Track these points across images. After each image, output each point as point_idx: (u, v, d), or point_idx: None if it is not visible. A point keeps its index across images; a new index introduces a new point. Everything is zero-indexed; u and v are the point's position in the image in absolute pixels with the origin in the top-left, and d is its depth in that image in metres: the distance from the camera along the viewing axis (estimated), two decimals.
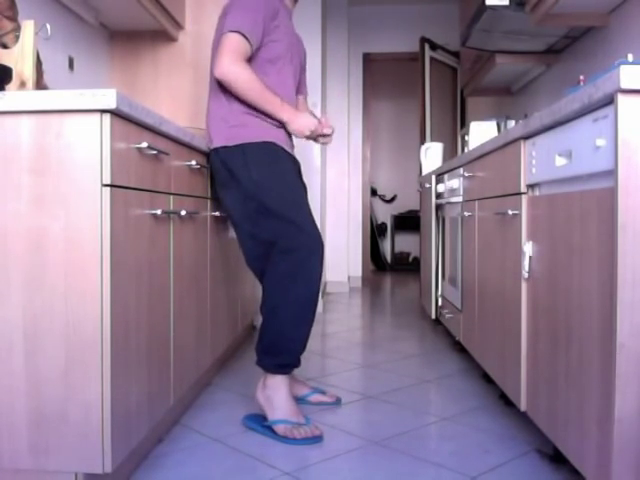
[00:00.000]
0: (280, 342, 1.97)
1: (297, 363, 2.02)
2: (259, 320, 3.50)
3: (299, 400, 2.14)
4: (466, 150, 3.30)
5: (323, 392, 2.26)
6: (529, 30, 2.97)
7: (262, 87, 1.98)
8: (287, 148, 2.12)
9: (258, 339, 2.03)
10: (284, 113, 2.04)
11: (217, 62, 1.95)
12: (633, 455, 1.17)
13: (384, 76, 7.35)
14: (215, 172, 2.11)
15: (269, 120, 2.05)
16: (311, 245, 1.97)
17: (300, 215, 1.99)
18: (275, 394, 1.95)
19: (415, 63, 5.06)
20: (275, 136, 2.06)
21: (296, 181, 2.09)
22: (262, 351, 2.00)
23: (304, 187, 2.17)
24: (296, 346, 2.00)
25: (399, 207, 7.88)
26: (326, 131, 2.15)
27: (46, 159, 1.35)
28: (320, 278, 2.00)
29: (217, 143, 2.06)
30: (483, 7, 2.83)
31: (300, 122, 2.07)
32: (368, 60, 5.80)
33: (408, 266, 7.54)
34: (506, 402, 2.11)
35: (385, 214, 7.94)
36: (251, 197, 1.98)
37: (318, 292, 2.01)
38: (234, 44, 1.94)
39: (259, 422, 1.94)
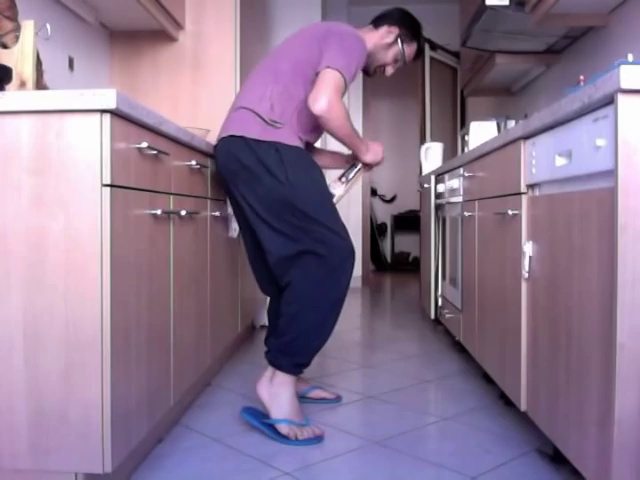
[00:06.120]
0: (300, 343, 1.95)
1: (309, 363, 2.01)
2: (259, 320, 3.53)
3: (299, 397, 2.13)
4: (466, 150, 3.30)
5: (323, 389, 2.26)
6: (529, 30, 2.97)
7: (351, 125, 2.03)
8: None
9: (275, 335, 2.00)
10: (363, 145, 2.18)
11: (323, 99, 1.89)
12: (633, 455, 1.17)
13: (384, 76, 7.33)
14: (239, 161, 1.97)
15: (299, 133, 2.03)
16: (345, 251, 1.94)
17: (335, 220, 1.97)
18: (282, 392, 1.93)
19: (415, 63, 5.04)
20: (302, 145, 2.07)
21: (327, 187, 2.09)
22: (278, 349, 1.96)
23: None
24: (314, 348, 1.99)
25: (399, 207, 7.88)
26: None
27: (46, 159, 1.35)
28: (349, 283, 1.98)
29: (248, 133, 1.96)
30: (483, 7, 2.83)
31: (376, 150, 2.23)
32: None
33: (408, 266, 7.54)
34: (506, 402, 2.11)
35: (385, 214, 7.94)
36: (283, 198, 1.92)
37: (345, 297, 1.98)
38: (340, 85, 1.92)
39: (258, 418, 1.93)
